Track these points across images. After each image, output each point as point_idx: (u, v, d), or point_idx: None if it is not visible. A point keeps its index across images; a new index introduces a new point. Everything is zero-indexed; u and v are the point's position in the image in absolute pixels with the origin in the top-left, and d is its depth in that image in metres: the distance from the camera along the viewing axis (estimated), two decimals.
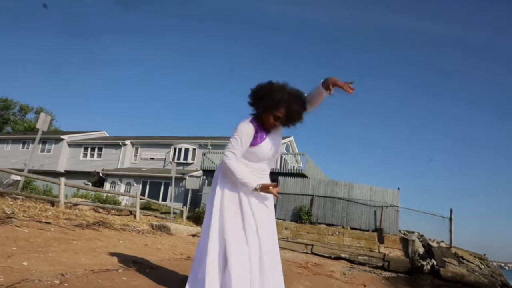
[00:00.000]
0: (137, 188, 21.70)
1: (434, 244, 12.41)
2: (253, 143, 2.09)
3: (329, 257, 11.38)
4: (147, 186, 22.21)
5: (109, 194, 15.24)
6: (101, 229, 5.45)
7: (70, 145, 25.91)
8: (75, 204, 8.89)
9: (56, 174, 23.19)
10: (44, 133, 10.51)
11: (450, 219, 12.87)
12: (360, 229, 13.06)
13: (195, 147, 23.21)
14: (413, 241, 12.11)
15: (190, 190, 18.54)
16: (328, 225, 13.32)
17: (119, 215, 9.99)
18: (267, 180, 2.22)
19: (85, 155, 25.53)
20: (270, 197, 2.20)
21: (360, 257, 11.65)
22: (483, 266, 11.74)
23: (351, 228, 13.08)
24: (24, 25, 63.58)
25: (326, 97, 2.12)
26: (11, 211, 4.92)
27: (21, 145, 26.51)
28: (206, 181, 18.11)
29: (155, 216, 12.24)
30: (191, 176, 20.60)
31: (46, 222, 4.72)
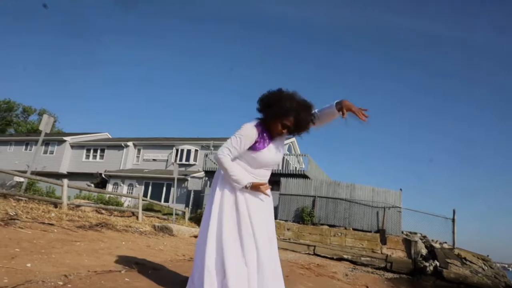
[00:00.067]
0: (139, 189, 21.76)
1: (437, 245, 12.37)
2: (256, 148, 2.10)
3: (332, 258, 11.35)
4: (149, 187, 22.25)
5: (111, 196, 15.29)
6: (103, 230, 5.46)
7: (73, 146, 26.00)
8: (78, 206, 8.91)
9: (58, 176, 23.25)
10: (47, 134, 10.56)
11: (453, 220, 12.83)
12: (362, 230, 13.03)
13: (197, 148, 23.24)
14: (416, 242, 12.07)
15: (192, 191, 18.55)
16: (331, 226, 13.30)
17: (121, 216, 10.01)
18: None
19: (87, 156, 25.61)
20: (270, 198, 2.22)
21: (362, 258, 11.62)
22: (486, 267, 11.68)
23: (354, 229, 13.06)
24: (24, 25, 63.80)
25: (336, 119, 2.15)
26: (14, 213, 4.95)
27: (24, 146, 26.62)
28: (208, 182, 18.12)
29: (157, 217, 12.27)
30: (193, 177, 20.62)
31: (49, 224, 4.74)
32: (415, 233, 13.24)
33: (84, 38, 68.78)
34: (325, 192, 14.15)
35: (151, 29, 74.24)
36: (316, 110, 2.19)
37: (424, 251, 11.97)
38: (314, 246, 12.02)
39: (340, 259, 11.51)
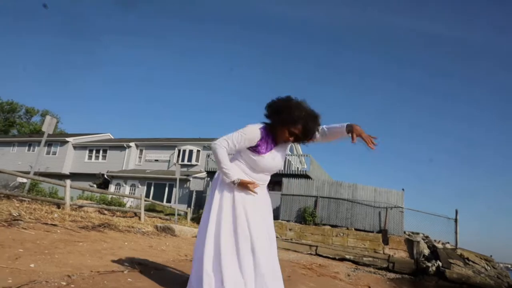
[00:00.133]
0: (141, 189, 21.82)
1: (439, 245, 12.34)
2: (258, 151, 2.12)
3: (334, 258, 11.35)
4: (152, 188, 22.31)
5: (114, 196, 15.33)
6: (106, 230, 5.49)
7: (75, 147, 26.10)
8: (81, 206, 8.95)
9: (61, 176, 23.35)
10: (50, 135, 10.60)
11: (456, 220, 12.80)
12: (364, 230, 13.01)
13: (199, 149, 23.28)
14: (418, 242, 12.05)
15: (194, 192, 18.58)
16: (333, 226, 13.30)
17: (124, 216, 10.04)
18: (264, 188, 2.26)
19: (90, 157, 25.69)
20: (268, 199, 2.25)
21: (364, 258, 11.60)
22: (489, 268, 11.65)
23: (356, 229, 13.04)
24: (24, 25, 63.99)
25: (344, 139, 2.18)
26: (17, 214, 4.98)
27: (27, 147, 26.74)
28: (210, 183, 18.10)
29: (160, 218, 12.30)
30: (195, 177, 20.65)
31: (52, 224, 4.76)
32: (417, 233, 13.22)
33: (84, 38, 69.00)
34: (327, 192, 14.15)
35: (151, 29, 74.30)
36: (324, 126, 2.23)
37: (426, 251, 11.94)
38: (316, 246, 12.02)
39: (342, 259, 11.50)
